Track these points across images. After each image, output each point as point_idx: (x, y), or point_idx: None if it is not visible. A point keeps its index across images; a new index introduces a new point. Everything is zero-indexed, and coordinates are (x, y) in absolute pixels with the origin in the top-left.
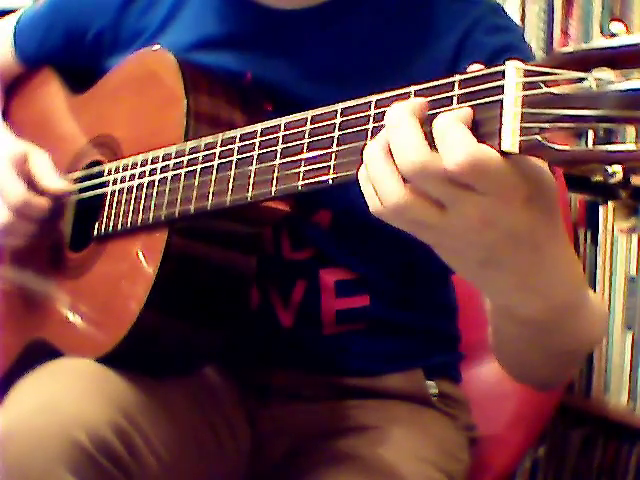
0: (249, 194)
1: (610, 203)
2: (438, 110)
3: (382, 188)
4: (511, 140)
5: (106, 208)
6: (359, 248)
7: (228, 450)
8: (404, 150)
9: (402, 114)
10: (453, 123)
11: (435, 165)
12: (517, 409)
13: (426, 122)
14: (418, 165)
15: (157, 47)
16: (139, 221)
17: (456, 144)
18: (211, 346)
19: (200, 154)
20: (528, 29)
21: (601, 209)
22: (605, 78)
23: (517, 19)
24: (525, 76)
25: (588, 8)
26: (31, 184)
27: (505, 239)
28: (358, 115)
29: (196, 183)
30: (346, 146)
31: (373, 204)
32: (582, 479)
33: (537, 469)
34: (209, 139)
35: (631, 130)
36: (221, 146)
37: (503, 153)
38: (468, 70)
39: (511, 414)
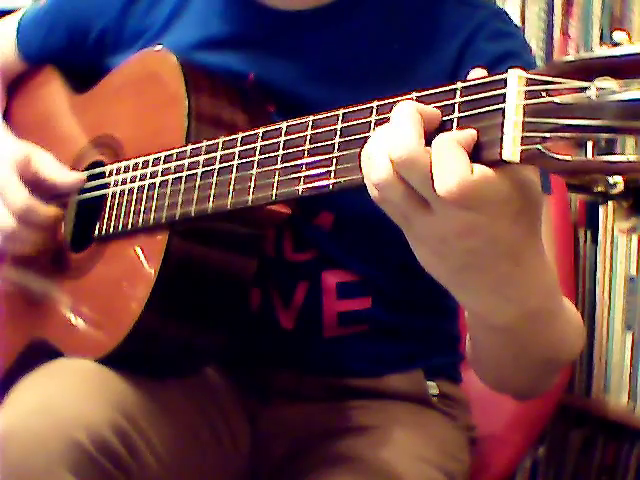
0: (250, 198)
1: (610, 203)
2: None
3: (373, 162)
4: (512, 149)
5: (107, 209)
6: (361, 250)
7: (228, 450)
8: (397, 135)
9: (410, 108)
10: (452, 146)
11: (423, 161)
12: (517, 409)
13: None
14: (405, 154)
15: (159, 47)
16: (140, 223)
17: (450, 171)
18: (211, 348)
19: (201, 157)
20: (528, 29)
21: (601, 209)
22: (607, 88)
23: (517, 19)
24: (527, 85)
25: (588, 8)
26: (35, 187)
27: (487, 247)
28: (359, 121)
29: (197, 186)
30: (347, 152)
31: (366, 179)
32: (582, 479)
33: (537, 469)
34: (210, 142)
35: (632, 141)
36: (222, 149)
37: (503, 162)
38: (469, 75)
39: (511, 414)
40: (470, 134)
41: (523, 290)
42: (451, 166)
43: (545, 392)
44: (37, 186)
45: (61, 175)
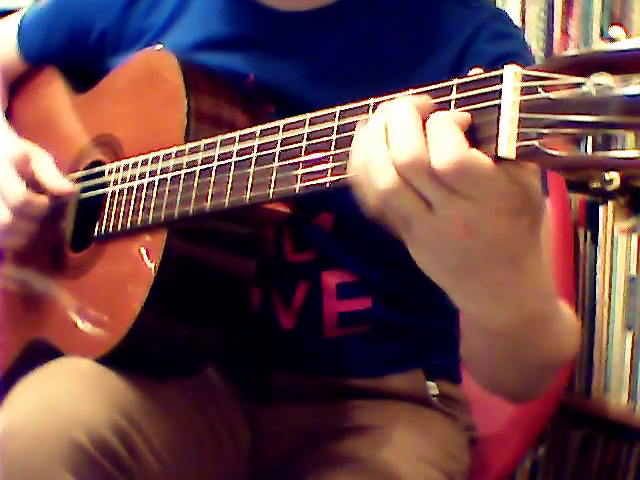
0: (247, 196)
1: (610, 203)
2: None
3: (374, 171)
4: (508, 146)
5: (106, 208)
6: (361, 250)
7: (228, 450)
8: (399, 139)
9: (405, 104)
10: (448, 122)
11: (427, 161)
12: (517, 409)
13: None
14: (410, 157)
15: (159, 47)
16: (139, 222)
17: (446, 143)
18: (210, 348)
19: (199, 155)
20: (528, 29)
21: (601, 209)
22: (604, 83)
23: (517, 19)
24: (523, 80)
25: (588, 8)
26: (32, 184)
27: (484, 248)
28: (356, 118)
29: (195, 184)
30: (344, 149)
31: (361, 186)
32: (582, 479)
33: (537, 469)
34: (208, 140)
35: (630, 136)
36: (220, 148)
37: (499, 159)
38: (468, 75)
39: (511, 414)
40: (464, 116)
41: (520, 294)
42: (447, 139)
43: (539, 396)
44: (33, 184)
45: (57, 183)
